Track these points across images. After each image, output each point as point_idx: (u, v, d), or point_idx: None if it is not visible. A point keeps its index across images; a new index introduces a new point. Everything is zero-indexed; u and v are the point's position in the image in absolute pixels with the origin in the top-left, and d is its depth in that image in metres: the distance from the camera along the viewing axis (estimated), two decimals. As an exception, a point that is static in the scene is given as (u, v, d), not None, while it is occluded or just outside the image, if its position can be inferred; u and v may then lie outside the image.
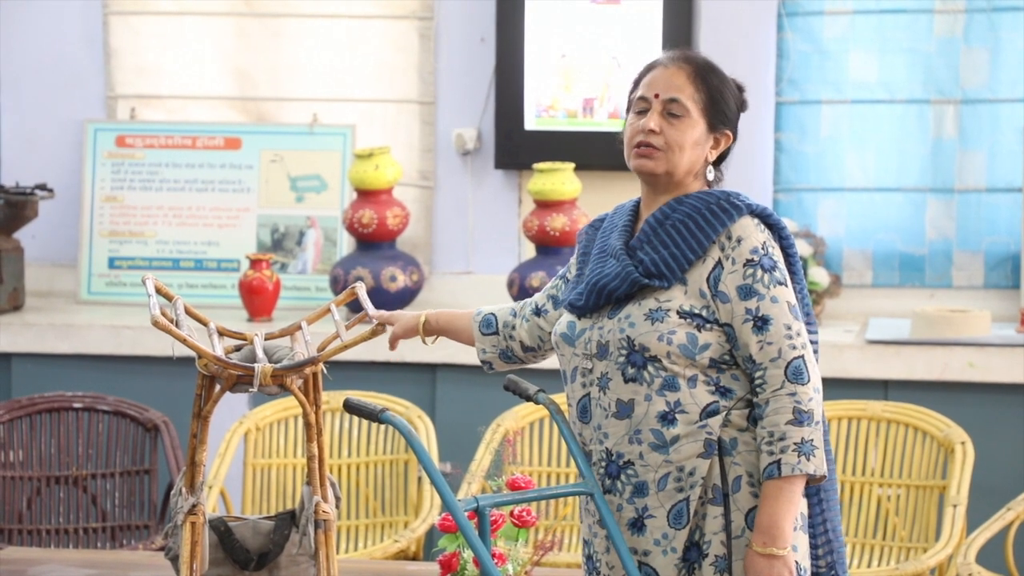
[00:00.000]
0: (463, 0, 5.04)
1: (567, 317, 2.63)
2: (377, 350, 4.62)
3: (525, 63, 4.93)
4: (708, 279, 2.51)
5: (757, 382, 2.47)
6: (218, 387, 2.74)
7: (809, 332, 2.52)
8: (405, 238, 5.00)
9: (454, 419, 4.58)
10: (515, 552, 2.94)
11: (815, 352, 2.52)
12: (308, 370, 2.75)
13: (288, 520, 2.95)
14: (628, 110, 2.62)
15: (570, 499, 4.11)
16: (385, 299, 4.76)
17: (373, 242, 4.84)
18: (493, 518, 2.90)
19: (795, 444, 2.43)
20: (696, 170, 2.58)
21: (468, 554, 2.91)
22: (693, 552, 2.50)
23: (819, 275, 4.72)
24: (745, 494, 2.49)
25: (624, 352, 2.52)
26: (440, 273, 5.11)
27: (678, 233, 2.53)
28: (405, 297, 4.87)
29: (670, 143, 2.55)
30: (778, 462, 2.44)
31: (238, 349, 2.90)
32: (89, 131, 5.18)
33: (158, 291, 2.84)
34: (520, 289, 4.73)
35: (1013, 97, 4.71)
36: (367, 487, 4.25)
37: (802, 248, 4.72)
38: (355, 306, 4.79)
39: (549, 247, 4.74)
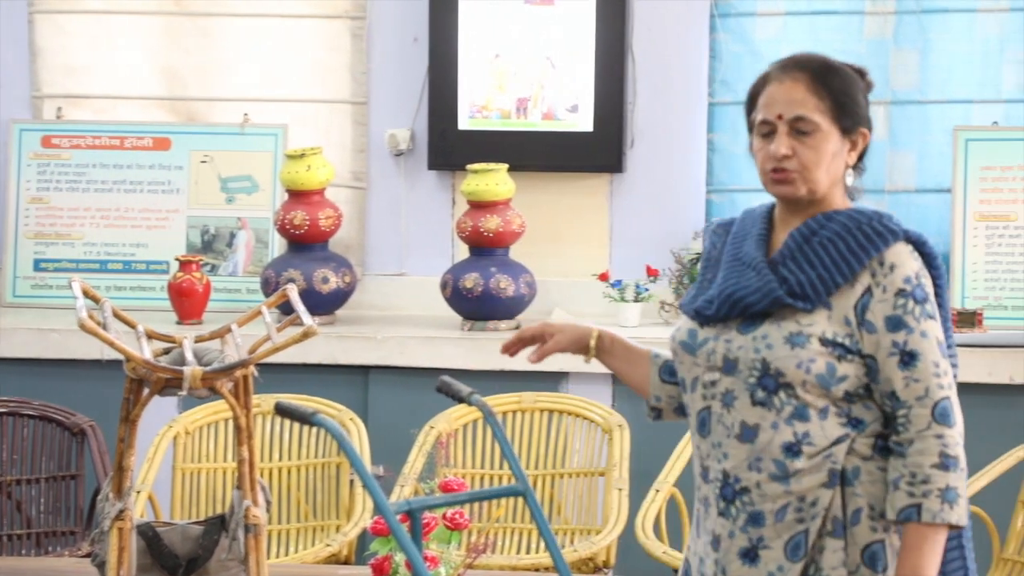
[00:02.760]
0: (396, 0, 5.02)
1: (687, 323, 2.46)
2: (309, 352, 4.59)
3: (459, 63, 4.92)
4: (856, 306, 2.34)
5: (900, 420, 2.32)
6: (146, 391, 2.70)
7: (952, 363, 2.40)
8: (338, 239, 4.97)
9: (387, 422, 4.55)
10: (448, 555, 2.92)
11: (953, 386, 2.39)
12: (239, 373, 2.72)
13: (218, 525, 2.91)
14: (750, 131, 2.44)
15: (503, 501, 4.10)
16: (317, 301, 4.72)
17: (305, 243, 4.80)
18: (426, 521, 2.89)
19: (939, 490, 2.29)
20: (837, 180, 2.41)
21: (400, 557, 2.89)
22: None
23: (752, 276, 4.74)
24: (864, 528, 2.35)
25: (756, 374, 2.36)
26: (373, 274, 5.08)
27: (827, 253, 2.36)
28: (338, 299, 4.84)
29: (805, 164, 2.37)
30: (919, 506, 2.30)
31: (167, 352, 2.86)
32: (14, 131, 5.10)
33: (85, 294, 2.80)
34: (453, 291, 4.71)
35: (942, 98, 4.76)
36: (298, 491, 4.22)
37: (735, 249, 4.75)
38: (287, 308, 4.74)
39: (483, 248, 4.73)
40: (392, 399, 4.63)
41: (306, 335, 2.73)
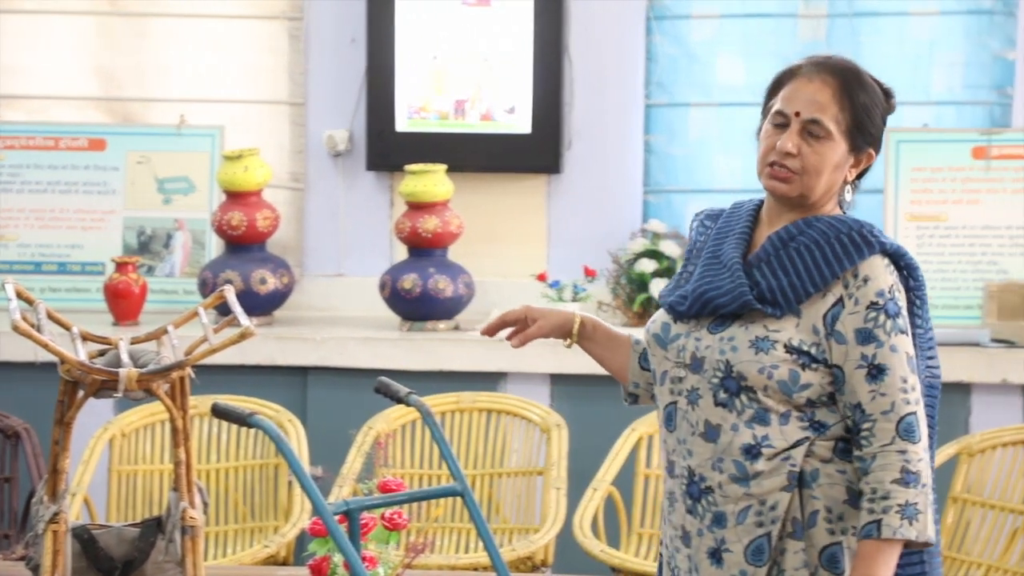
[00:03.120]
0: (333, 1, 5.01)
1: (663, 317, 2.45)
2: (247, 354, 4.58)
3: (396, 64, 4.92)
4: (825, 316, 2.33)
5: (863, 433, 2.31)
6: (81, 393, 2.69)
7: (933, 374, 2.40)
8: (275, 240, 4.96)
9: (326, 422, 4.55)
10: (386, 555, 2.92)
11: (936, 398, 2.40)
12: (175, 374, 2.71)
13: (154, 527, 2.90)
14: (764, 115, 2.42)
15: (442, 501, 4.11)
16: (255, 302, 4.71)
17: (242, 244, 4.79)
18: (364, 521, 2.89)
19: (899, 506, 2.28)
20: (833, 191, 2.39)
21: (338, 558, 2.89)
22: None
23: (688, 276, 4.78)
24: (821, 530, 2.34)
25: (720, 375, 2.35)
26: (311, 275, 5.07)
27: (801, 260, 2.34)
28: (276, 300, 4.82)
29: (807, 167, 2.35)
30: (878, 522, 2.28)
31: (102, 354, 2.85)
32: (-53, 131, 5.05)
33: (19, 295, 2.78)
34: (392, 291, 4.71)
35: (874, 101, 4.82)
36: (236, 492, 4.21)
37: (671, 249, 4.78)
38: (224, 309, 4.71)
39: (421, 249, 4.74)
40: (331, 400, 4.63)
41: (243, 336, 2.72)
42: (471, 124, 4.94)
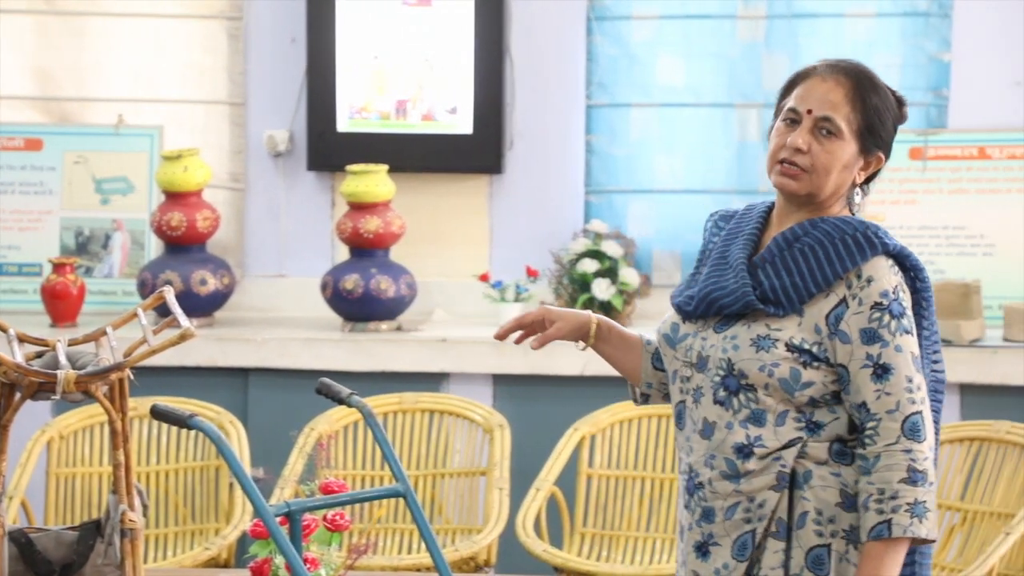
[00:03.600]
0: (273, 0, 4.99)
1: (672, 317, 2.48)
2: (187, 355, 4.55)
3: (337, 64, 4.90)
4: (828, 316, 2.35)
5: (868, 432, 2.32)
6: (18, 395, 2.66)
7: (937, 379, 2.41)
8: (216, 241, 4.93)
9: (267, 424, 4.53)
10: (328, 556, 2.92)
11: (940, 400, 2.41)
12: (114, 376, 2.69)
13: (93, 530, 2.88)
14: (776, 114, 2.43)
15: (385, 501, 4.10)
16: (195, 303, 4.68)
17: (182, 245, 4.75)
18: (306, 523, 2.88)
19: (908, 504, 2.29)
20: (841, 192, 2.41)
21: (280, 560, 2.88)
22: None
23: (629, 276, 4.80)
24: (809, 531, 2.35)
25: (721, 373, 2.38)
26: (253, 276, 5.04)
27: (805, 260, 2.36)
28: (216, 301, 4.80)
29: (816, 165, 2.37)
30: (888, 522, 2.29)
31: (40, 356, 2.82)
32: None
33: (-47, 296, 2.74)
34: (334, 292, 4.70)
35: (813, 102, 4.86)
36: (176, 494, 4.18)
37: (613, 249, 4.80)
38: (164, 310, 4.69)
39: (363, 249, 4.73)
40: (272, 401, 4.60)
41: (183, 337, 2.70)
42: (412, 124, 4.93)
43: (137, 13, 5.02)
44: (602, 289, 4.76)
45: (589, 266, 4.79)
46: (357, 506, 3.80)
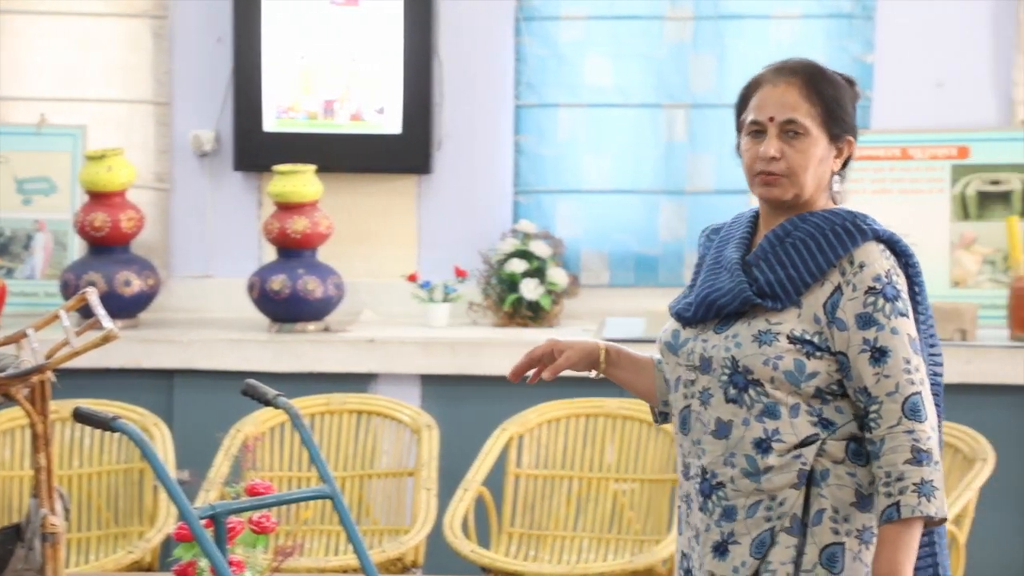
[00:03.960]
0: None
1: (672, 324, 2.50)
2: (111, 357, 4.50)
3: (263, 64, 4.87)
4: (825, 304, 2.38)
5: (871, 416, 2.35)
6: (-64, 398, 2.62)
7: (935, 362, 2.43)
8: (140, 242, 4.88)
9: (192, 426, 4.49)
10: (254, 559, 2.90)
11: (940, 383, 2.43)
12: (35, 379, 2.65)
13: (13, 534, 2.84)
14: (739, 131, 2.46)
15: (312, 503, 4.08)
16: (119, 304, 4.63)
17: (106, 246, 4.71)
18: (231, 525, 2.86)
19: (914, 485, 2.31)
20: (824, 185, 2.44)
21: (205, 563, 2.85)
22: None
23: (558, 276, 4.81)
24: (826, 528, 2.37)
25: (727, 372, 2.40)
26: (178, 277, 5.00)
27: (797, 253, 2.40)
28: (141, 302, 4.75)
29: (793, 168, 2.40)
30: (897, 504, 2.31)
31: (-42, 358, 2.77)
32: None
33: None
34: (260, 293, 4.67)
35: (739, 102, 4.89)
36: (99, 498, 4.14)
37: (541, 249, 4.81)
38: (87, 312, 4.63)
39: (290, 250, 4.70)
40: (198, 403, 4.57)
41: (107, 339, 2.68)
42: (340, 124, 4.91)
43: (60, 11, 4.96)
44: (530, 289, 4.77)
45: (517, 266, 4.79)
46: (284, 508, 3.78)
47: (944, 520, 2.35)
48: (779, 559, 2.37)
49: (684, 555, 2.49)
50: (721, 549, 2.41)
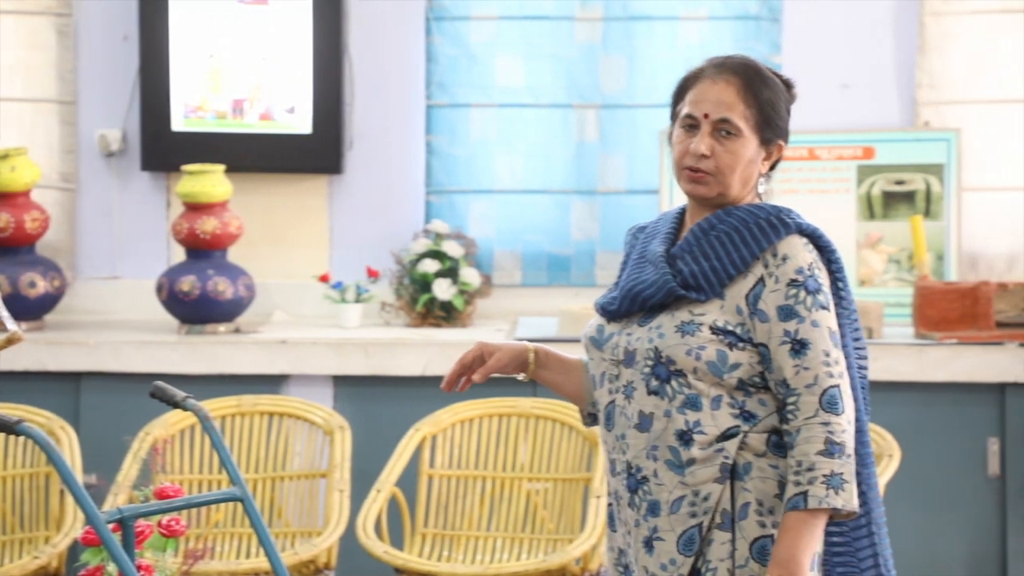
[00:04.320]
0: (104, -4, 4.89)
1: (597, 320, 2.50)
2: (15, 359, 4.43)
3: (171, 63, 4.82)
4: (748, 296, 2.40)
5: (789, 407, 2.37)
6: None
7: (861, 355, 2.45)
8: (45, 242, 4.81)
9: (100, 429, 4.43)
10: (163, 563, 2.87)
11: (865, 377, 2.45)
12: (-65, 382, 2.60)
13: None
14: (673, 120, 2.48)
15: (223, 505, 4.05)
16: (24, 306, 4.56)
17: (10, 247, 4.64)
18: (140, 529, 2.83)
19: (824, 476, 2.32)
20: (750, 186, 2.47)
21: (112, 568, 2.82)
22: None
23: (470, 276, 4.81)
24: (752, 522, 2.38)
25: (650, 363, 2.41)
26: (85, 278, 4.93)
27: (721, 245, 2.42)
28: (46, 303, 4.68)
29: (721, 167, 2.42)
30: (804, 493, 2.33)
31: None
32: None
33: None
34: (169, 294, 4.62)
35: (649, 103, 4.93)
36: (4, 502, 4.07)
37: (453, 249, 4.81)
38: (-9, 314, 4.56)
39: (200, 250, 4.65)
40: (105, 406, 4.51)
41: (11, 341, 2.64)
42: (250, 124, 4.87)
43: (-39, 8, 4.88)
44: (443, 289, 4.76)
45: (430, 266, 4.78)
46: (194, 511, 3.75)
47: (853, 514, 2.36)
48: (717, 556, 2.38)
49: (621, 551, 2.49)
50: (649, 544, 2.41)
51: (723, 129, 2.42)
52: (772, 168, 2.50)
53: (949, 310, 4.50)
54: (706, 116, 2.43)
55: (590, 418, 2.59)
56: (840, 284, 2.45)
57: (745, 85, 2.43)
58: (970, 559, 4.46)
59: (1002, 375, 4.43)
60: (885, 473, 3.89)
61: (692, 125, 2.44)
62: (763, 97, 2.44)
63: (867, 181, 4.83)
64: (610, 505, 2.50)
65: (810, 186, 4.83)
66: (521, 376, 2.57)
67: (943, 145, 4.79)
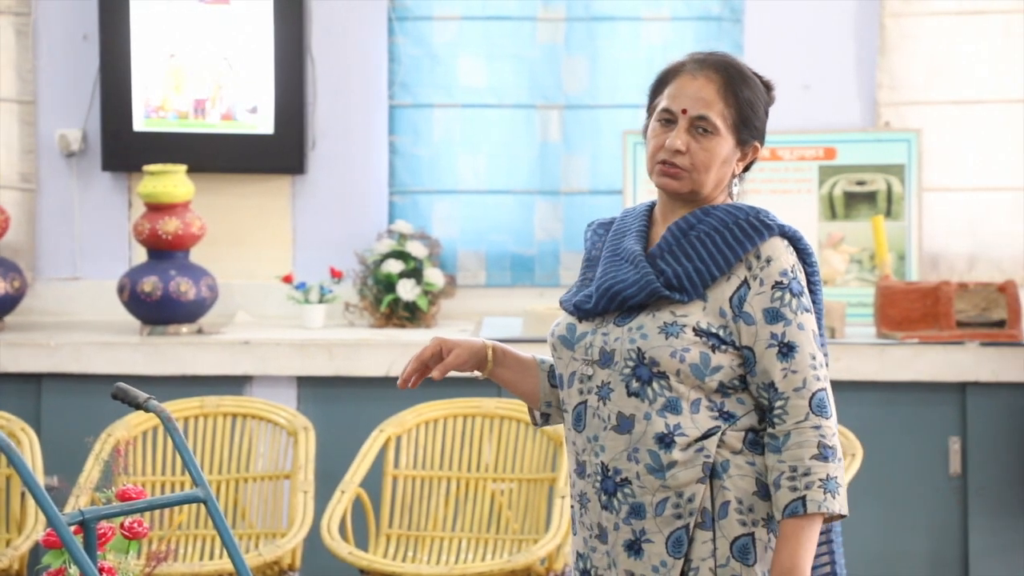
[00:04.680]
0: (64, -5, 4.86)
1: (566, 319, 2.45)
2: (-24, 362, 4.40)
3: (132, 62, 4.79)
4: (731, 299, 2.37)
5: (776, 411, 2.35)
6: None
7: (825, 356, 2.43)
8: (5, 243, 4.77)
9: (61, 431, 4.40)
10: (125, 565, 2.85)
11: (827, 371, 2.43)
12: None
13: None
14: (649, 113, 2.44)
15: (186, 508, 4.03)
16: (-16, 308, 4.52)
17: (-30, 248, 4.60)
18: (102, 531, 2.81)
19: (820, 480, 2.31)
20: (723, 185, 2.43)
21: (74, 570, 2.80)
22: None
23: (434, 276, 4.81)
24: (732, 521, 2.36)
25: (631, 364, 2.37)
26: (45, 279, 4.90)
27: (703, 246, 2.39)
28: (6, 305, 4.64)
29: (696, 164, 2.39)
30: (803, 499, 2.30)
31: None
32: None
33: None
34: (131, 295, 4.59)
35: (612, 103, 4.94)
36: (-34, 507, 4.03)
37: (417, 250, 4.80)
38: (-49, 316, 4.52)
39: (162, 251, 4.63)
40: (66, 407, 4.48)
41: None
42: (212, 124, 4.85)
43: (-81, 7, 4.83)
44: (407, 290, 4.76)
45: (394, 267, 4.78)
46: (156, 513, 3.73)
47: (844, 516, 2.36)
48: (699, 555, 2.36)
49: (580, 555, 2.46)
50: (635, 547, 2.38)
51: (700, 126, 2.40)
52: (746, 169, 2.47)
53: (910, 310, 4.53)
54: (684, 112, 2.40)
55: (543, 418, 2.56)
56: (813, 285, 2.44)
57: (726, 83, 2.41)
58: (932, 557, 4.50)
59: (963, 375, 4.46)
60: (847, 472, 3.91)
61: (669, 120, 2.42)
62: (743, 97, 2.42)
63: (829, 181, 4.86)
64: (573, 508, 2.47)
65: (772, 186, 4.85)
66: (478, 374, 2.53)
67: (904, 146, 4.83)
